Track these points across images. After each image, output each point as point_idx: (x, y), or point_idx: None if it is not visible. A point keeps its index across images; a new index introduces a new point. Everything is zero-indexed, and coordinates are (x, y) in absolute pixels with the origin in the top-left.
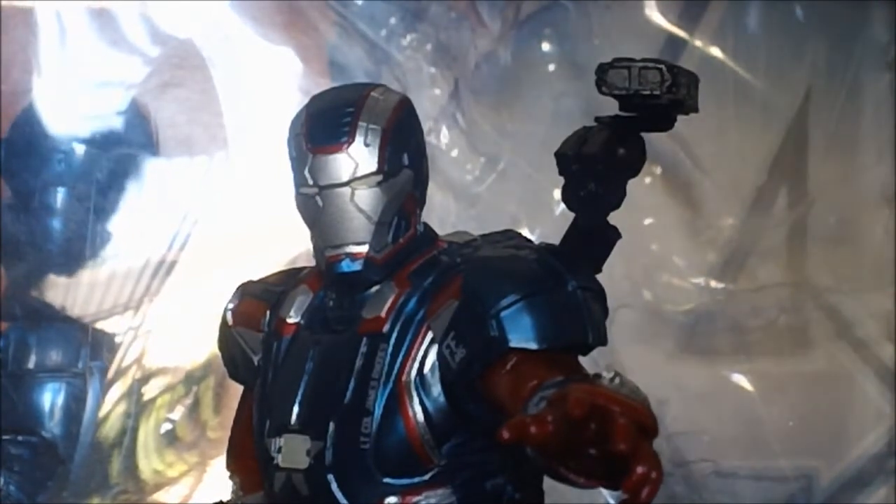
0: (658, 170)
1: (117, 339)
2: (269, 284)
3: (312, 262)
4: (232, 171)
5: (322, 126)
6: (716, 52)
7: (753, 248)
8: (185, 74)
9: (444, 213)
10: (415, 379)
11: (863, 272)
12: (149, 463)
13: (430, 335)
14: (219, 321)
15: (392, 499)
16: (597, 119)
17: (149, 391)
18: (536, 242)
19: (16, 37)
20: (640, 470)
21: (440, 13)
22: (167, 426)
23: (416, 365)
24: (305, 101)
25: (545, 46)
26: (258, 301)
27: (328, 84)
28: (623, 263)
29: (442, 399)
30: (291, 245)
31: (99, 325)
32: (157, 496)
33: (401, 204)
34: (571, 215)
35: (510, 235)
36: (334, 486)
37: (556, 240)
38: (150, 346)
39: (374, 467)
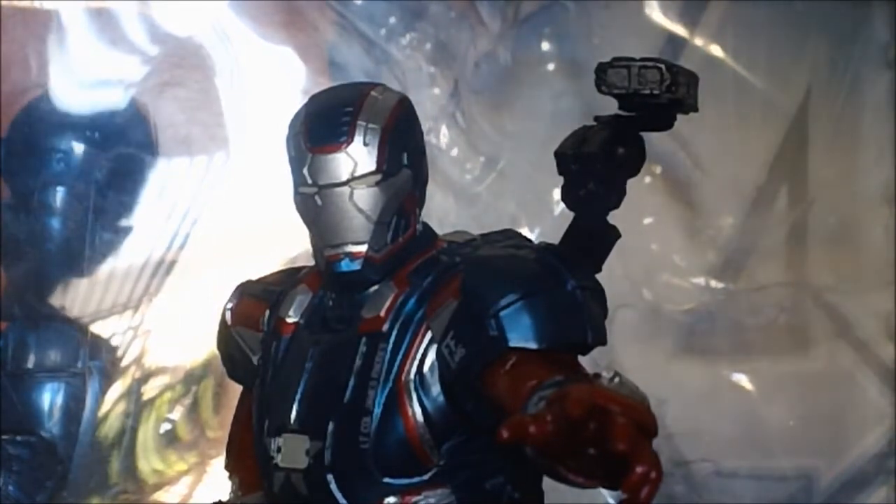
0: (658, 169)
1: (116, 339)
2: (269, 284)
3: (312, 262)
4: (232, 170)
5: (321, 125)
6: (716, 51)
7: (753, 247)
8: (185, 73)
9: (443, 213)
10: (414, 378)
11: (863, 272)
12: (148, 463)
13: (429, 335)
14: (218, 321)
15: (391, 498)
16: (596, 118)
17: (148, 391)
18: (536, 242)
19: (16, 37)
20: (639, 470)
21: (440, 12)
22: (166, 426)
23: (416, 364)
24: (305, 100)
25: (545, 46)
26: (257, 301)
27: (327, 83)
28: (623, 263)
29: (441, 399)
30: (291, 245)
31: (98, 325)
32: (157, 496)
33: (400, 203)
34: (571, 215)
35: (509, 235)
36: (333, 486)
37: (555, 240)
38: (150, 345)
39: (373, 467)
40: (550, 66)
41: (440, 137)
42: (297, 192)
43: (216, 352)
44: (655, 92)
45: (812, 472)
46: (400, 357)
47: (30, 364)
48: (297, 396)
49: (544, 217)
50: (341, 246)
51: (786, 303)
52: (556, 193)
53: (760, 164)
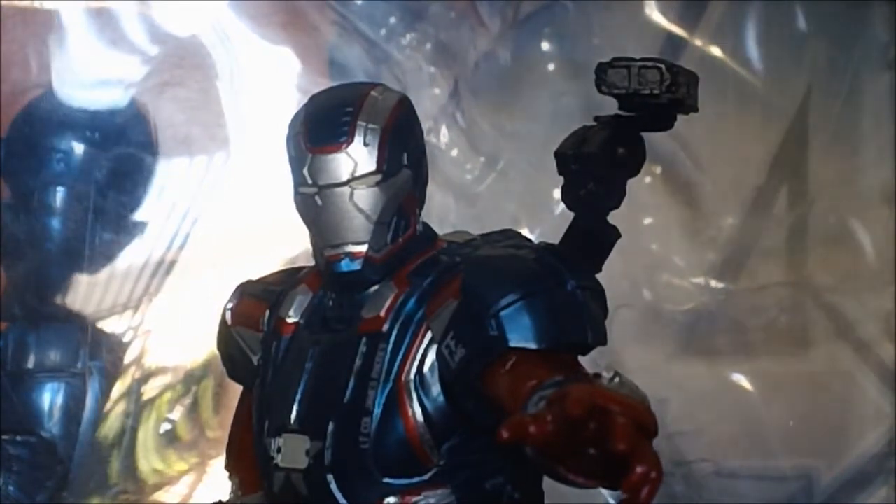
0: (658, 170)
1: (116, 339)
2: (269, 284)
3: (312, 262)
4: (232, 170)
5: (321, 125)
6: (716, 51)
7: (753, 247)
8: (185, 74)
9: (443, 213)
10: (414, 378)
11: (863, 272)
12: (148, 463)
13: (429, 335)
14: (218, 321)
15: (391, 499)
16: (596, 118)
17: (148, 391)
18: (536, 242)
19: (16, 37)
20: (639, 469)
21: (440, 13)
22: (167, 426)
23: (416, 364)
24: (305, 100)
25: (545, 46)
26: (258, 301)
27: (327, 83)
28: (623, 263)
29: (441, 399)
30: (291, 245)
31: (98, 325)
32: (157, 496)
33: (400, 203)
34: (571, 215)
35: (509, 235)
36: (333, 486)
37: (556, 240)
38: (150, 345)
39: (373, 467)
40: (550, 66)
41: (440, 137)
42: (297, 193)
43: (216, 352)
44: (655, 92)
45: (812, 472)
46: (400, 357)
47: (30, 364)
48: (297, 396)
49: (544, 217)
50: (341, 246)
51: (786, 303)
52: (557, 194)
53: (760, 164)
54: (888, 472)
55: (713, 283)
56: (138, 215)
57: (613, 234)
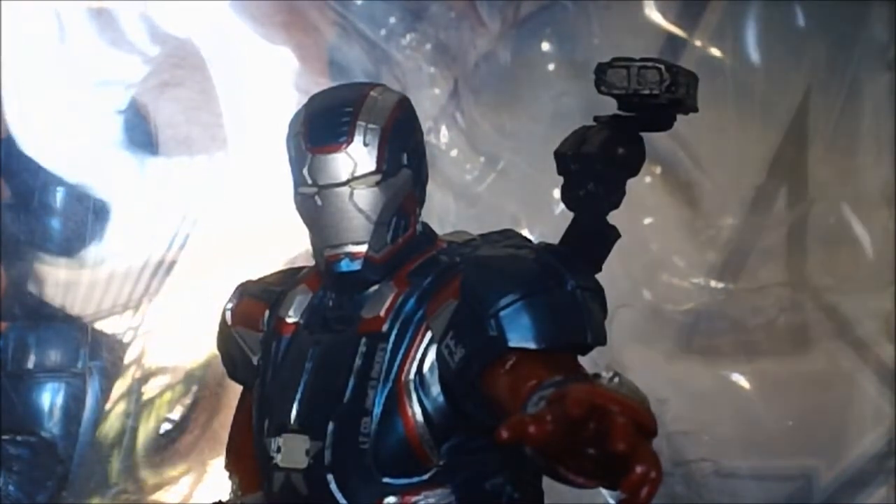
0: (658, 170)
1: (116, 339)
2: (269, 284)
3: (312, 262)
4: (231, 171)
5: (321, 126)
6: (715, 51)
7: (753, 248)
8: (185, 74)
9: (443, 213)
10: (414, 378)
11: (863, 272)
12: (148, 463)
13: (429, 335)
14: (218, 321)
15: (391, 498)
16: (596, 119)
17: (148, 391)
18: (536, 242)
19: (15, 37)
20: (639, 469)
21: (440, 13)
22: (167, 426)
23: (416, 364)
24: (305, 100)
25: (545, 46)
26: (258, 301)
27: (327, 84)
28: (623, 263)
29: (441, 399)
30: (291, 245)
31: (98, 325)
32: (157, 496)
33: (400, 203)
34: (571, 215)
35: (509, 235)
36: (333, 486)
37: (555, 240)
38: (150, 345)
39: (373, 467)
40: (550, 67)
41: (440, 137)
42: (297, 193)
43: (216, 352)
44: (655, 92)
45: (812, 472)
46: (400, 357)
47: (30, 364)
48: (297, 396)
49: (544, 217)
50: (341, 246)
51: (786, 303)
52: (557, 194)
53: (760, 164)
54: (888, 472)
55: (713, 283)
56: (136, 216)
57: (613, 234)
